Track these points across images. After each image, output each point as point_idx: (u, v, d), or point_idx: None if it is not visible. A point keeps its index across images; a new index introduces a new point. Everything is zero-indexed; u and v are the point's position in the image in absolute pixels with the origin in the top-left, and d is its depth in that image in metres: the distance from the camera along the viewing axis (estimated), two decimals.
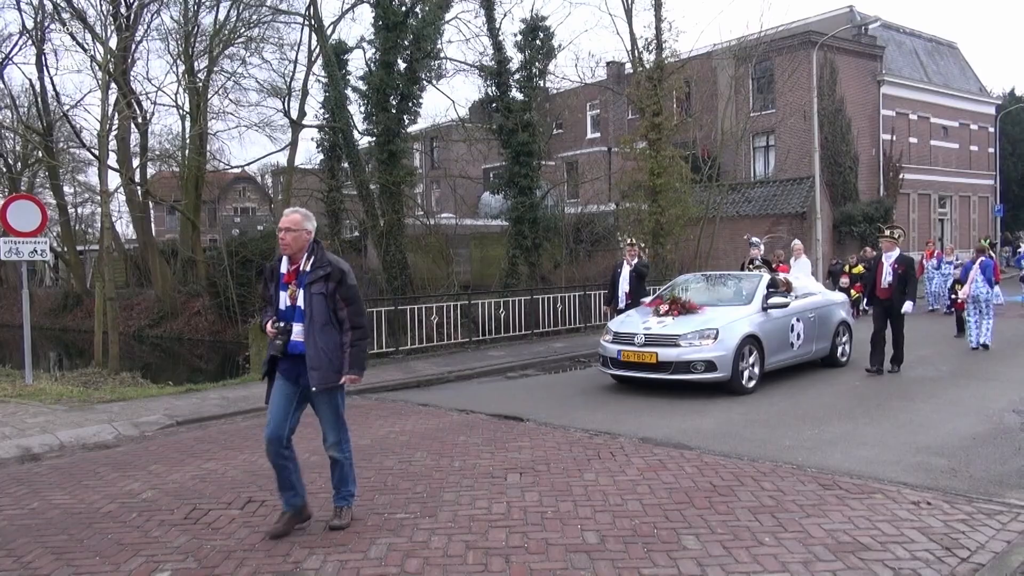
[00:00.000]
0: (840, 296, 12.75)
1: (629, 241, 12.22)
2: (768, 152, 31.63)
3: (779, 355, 10.01)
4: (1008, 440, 6.82)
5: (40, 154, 31.13)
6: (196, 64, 26.85)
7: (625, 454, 6.56)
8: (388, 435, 7.57)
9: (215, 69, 26.72)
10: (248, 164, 52.58)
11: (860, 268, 17.92)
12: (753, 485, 5.59)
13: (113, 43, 21.48)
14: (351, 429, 5.18)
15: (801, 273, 13.88)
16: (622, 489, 5.56)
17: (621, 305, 11.58)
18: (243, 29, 25.55)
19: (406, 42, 20.00)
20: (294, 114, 25.32)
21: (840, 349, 11.25)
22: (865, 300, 11.94)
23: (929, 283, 19.74)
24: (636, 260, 11.72)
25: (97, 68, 20.68)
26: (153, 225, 36.02)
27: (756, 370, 9.47)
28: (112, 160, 24.24)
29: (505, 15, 37.96)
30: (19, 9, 26.00)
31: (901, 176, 32.46)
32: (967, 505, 5.12)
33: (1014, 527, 4.70)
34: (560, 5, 70.62)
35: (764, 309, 9.93)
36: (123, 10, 25.59)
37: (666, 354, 9.21)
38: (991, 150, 38.98)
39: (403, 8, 20.02)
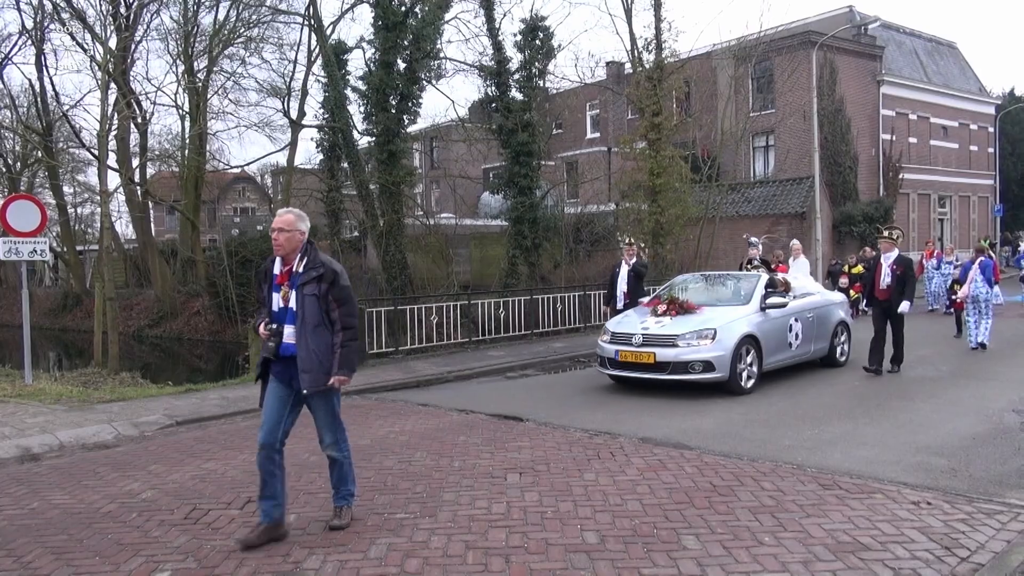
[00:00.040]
0: (839, 296, 12.74)
1: (627, 241, 12.23)
2: (768, 152, 31.63)
3: (777, 355, 10.00)
4: (1008, 440, 6.83)
5: (40, 154, 31.12)
6: (196, 64, 26.88)
7: (625, 454, 6.56)
8: (388, 435, 7.57)
9: (215, 69, 26.76)
10: (248, 164, 52.60)
11: (859, 268, 17.90)
12: (753, 485, 5.59)
13: (113, 43, 21.52)
14: (350, 429, 5.17)
15: (799, 273, 13.90)
16: (622, 489, 5.56)
17: (619, 305, 11.58)
18: (243, 29, 25.58)
19: (406, 42, 20.01)
20: (294, 114, 25.34)
21: (839, 349, 11.25)
22: (864, 301, 11.95)
23: (929, 283, 19.75)
24: (634, 260, 11.73)
25: (97, 68, 20.71)
26: (153, 225, 36.03)
27: (754, 370, 9.46)
28: (112, 160, 24.25)
29: (505, 15, 38.02)
30: (19, 9, 26.06)
31: (901, 176, 32.45)
32: (967, 505, 5.12)
33: (1014, 527, 4.70)
34: (560, 5, 70.70)
35: (762, 309, 9.92)
36: (123, 10, 25.61)
37: (664, 354, 9.20)
38: (991, 150, 38.99)
39: (403, 8, 20.02)
